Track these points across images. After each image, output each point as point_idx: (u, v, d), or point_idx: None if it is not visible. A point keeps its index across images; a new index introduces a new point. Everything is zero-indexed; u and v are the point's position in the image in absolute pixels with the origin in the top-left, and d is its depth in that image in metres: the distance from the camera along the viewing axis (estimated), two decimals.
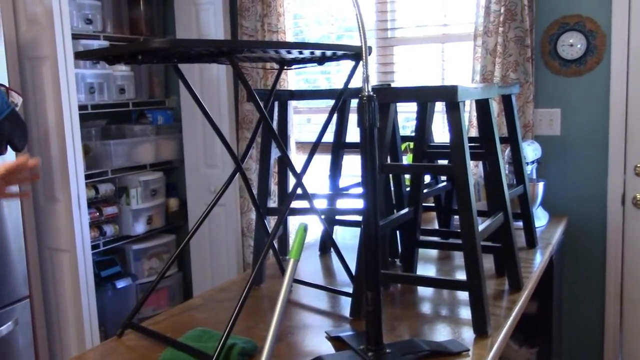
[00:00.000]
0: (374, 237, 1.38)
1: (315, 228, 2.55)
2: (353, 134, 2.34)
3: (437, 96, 1.52)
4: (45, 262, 2.93)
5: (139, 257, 3.68)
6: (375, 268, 1.37)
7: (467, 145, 1.54)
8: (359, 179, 2.43)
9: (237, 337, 1.50)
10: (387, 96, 1.56)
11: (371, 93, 1.32)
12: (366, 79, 1.36)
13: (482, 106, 1.80)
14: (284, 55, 1.58)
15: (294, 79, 3.53)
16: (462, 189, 1.54)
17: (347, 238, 2.64)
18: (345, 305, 1.82)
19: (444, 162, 2.34)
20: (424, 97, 1.56)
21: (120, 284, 3.45)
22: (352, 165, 2.99)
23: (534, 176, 2.82)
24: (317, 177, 3.21)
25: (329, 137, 2.08)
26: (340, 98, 1.73)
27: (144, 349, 1.53)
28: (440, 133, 3.19)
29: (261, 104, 1.55)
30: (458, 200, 1.56)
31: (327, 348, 1.52)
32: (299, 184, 1.62)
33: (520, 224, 2.42)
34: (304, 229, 1.35)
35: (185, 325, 1.67)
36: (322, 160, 3.00)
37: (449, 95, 1.49)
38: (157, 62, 1.43)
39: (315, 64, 1.78)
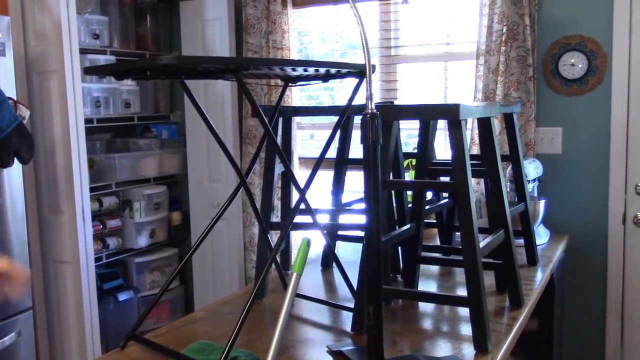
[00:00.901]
0: (376, 252, 1.40)
1: (318, 243, 2.57)
2: (356, 150, 2.36)
3: (439, 114, 1.55)
4: (49, 274, 2.94)
5: (142, 270, 3.70)
6: (377, 283, 1.39)
7: (468, 162, 1.56)
8: (361, 195, 2.44)
9: (240, 350, 1.51)
10: (390, 114, 1.59)
11: (375, 111, 1.34)
12: (370, 97, 1.39)
13: (484, 124, 1.82)
14: (289, 72, 1.60)
15: (297, 95, 3.57)
16: (464, 206, 1.56)
17: (349, 253, 2.65)
18: (347, 319, 1.83)
19: (446, 179, 2.36)
20: (427, 115, 1.58)
21: (122, 296, 3.46)
22: (355, 181, 3.01)
23: (535, 194, 2.84)
24: (320, 192, 3.23)
25: (332, 153, 2.11)
26: (344, 115, 1.75)
27: None
28: (443, 150, 3.21)
29: (266, 119, 1.57)
30: (459, 217, 1.58)
31: None
32: (302, 199, 1.64)
33: (521, 241, 2.43)
34: (307, 244, 1.37)
35: (188, 338, 1.68)
36: (325, 176, 3.02)
37: (451, 114, 1.52)
38: (164, 78, 1.46)
39: (320, 81, 1.81)
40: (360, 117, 1.38)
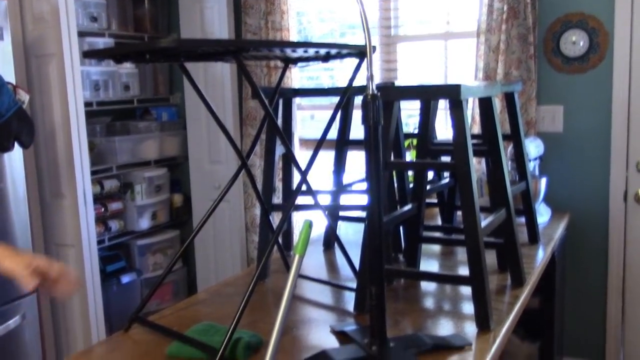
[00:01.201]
0: (377, 233, 1.40)
1: (320, 223, 2.58)
2: (357, 130, 2.35)
3: (440, 94, 1.54)
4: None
5: (144, 253, 3.71)
6: (379, 263, 1.40)
7: (469, 143, 1.56)
8: (362, 175, 2.45)
9: (243, 331, 1.52)
10: (391, 94, 1.58)
11: (375, 92, 1.34)
12: (370, 78, 1.38)
13: (485, 104, 1.82)
14: (289, 54, 1.60)
15: (297, 75, 3.55)
16: (465, 186, 1.56)
17: (351, 233, 2.66)
18: (349, 299, 1.84)
19: (447, 159, 2.36)
20: (428, 95, 1.58)
21: (125, 279, 3.48)
22: (356, 161, 3.01)
23: (537, 172, 2.84)
24: (321, 173, 3.23)
25: (332, 133, 2.10)
26: (345, 96, 1.75)
27: (150, 343, 1.55)
28: (444, 130, 3.20)
29: (266, 101, 1.57)
30: (461, 197, 1.58)
31: (332, 342, 1.54)
32: (304, 180, 1.64)
33: (522, 219, 2.44)
34: (309, 225, 1.37)
35: (191, 320, 1.69)
36: (326, 157, 3.02)
37: (452, 94, 1.51)
38: (163, 61, 1.45)
39: (320, 62, 1.80)
40: (361, 97, 1.38)
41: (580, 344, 3.12)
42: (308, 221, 1.37)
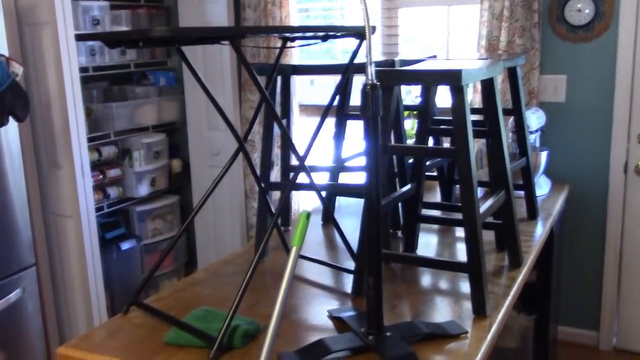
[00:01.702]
0: (375, 221, 1.39)
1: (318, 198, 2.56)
2: (357, 93, 2.32)
3: (441, 79, 1.51)
4: (50, 229, 2.96)
5: (143, 219, 3.72)
6: (376, 254, 1.39)
7: (470, 129, 1.54)
8: (362, 146, 2.42)
9: (241, 317, 1.53)
10: (390, 79, 1.55)
11: (375, 81, 1.31)
12: (369, 63, 1.35)
13: (487, 84, 1.78)
14: (287, 35, 1.56)
15: (297, 49, 3.48)
16: (465, 172, 1.55)
17: (352, 205, 2.65)
18: (348, 280, 1.84)
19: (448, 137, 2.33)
20: (428, 80, 1.55)
21: (125, 245, 3.49)
22: (357, 130, 2.98)
23: (538, 144, 2.82)
24: (320, 142, 3.20)
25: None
26: (345, 76, 1.71)
27: (150, 327, 1.56)
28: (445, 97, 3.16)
29: (262, 85, 1.54)
30: (460, 183, 1.56)
31: (330, 326, 1.55)
32: (302, 167, 1.62)
33: (522, 193, 2.43)
34: (307, 217, 1.36)
35: (190, 302, 1.70)
36: (326, 124, 2.99)
37: (454, 79, 1.48)
38: (159, 46, 1.41)
39: (319, 41, 1.76)
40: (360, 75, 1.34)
41: (575, 314, 3.15)
42: (305, 212, 1.35)
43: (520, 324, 2.67)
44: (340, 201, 2.70)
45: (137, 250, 3.60)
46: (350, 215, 2.45)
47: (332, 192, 2.25)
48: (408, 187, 1.91)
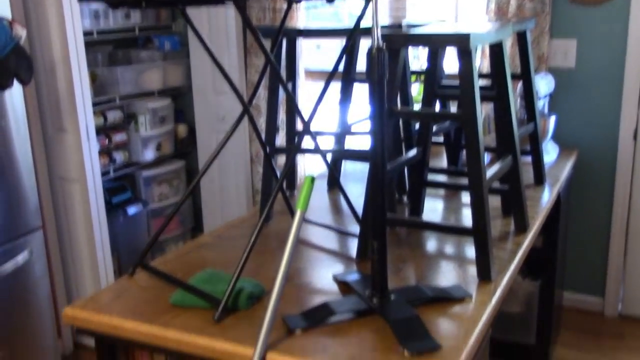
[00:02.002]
0: (380, 185, 1.39)
1: (323, 163, 2.55)
2: (364, 56, 2.28)
3: (449, 42, 1.48)
4: (57, 192, 2.96)
5: (149, 183, 3.72)
6: (381, 217, 1.39)
7: (477, 94, 1.51)
8: (369, 111, 2.40)
9: (246, 280, 1.53)
10: (397, 42, 1.52)
11: (381, 45, 1.28)
12: (376, 25, 1.32)
13: (496, 48, 1.75)
14: None
15: (302, 14, 3.43)
16: (471, 138, 1.53)
17: (358, 172, 2.64)
18: (353, 244, 1.85)
19: (455, 102, 2.31)
20: (436, 43, 1.52)
21: (132, 210, 3.50)
22: (363, 94, 2.95)
23: (546, 110, 2.79)
24: (326, 106, 3.18)
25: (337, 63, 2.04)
26: (350, 38, 1.69)
27: (156, 289, 1.57)
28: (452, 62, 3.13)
29: (266, 48, 1.52)
30: (466, 149, 1.55)
31: (334, 289, 1.55)
32: (307, 130, 1.61)
33: (529, 159, 2.41)
34: (311, 180, 1.35)
35: (195, 265, 1.71)
36: (331, 88, 2.96)
37: (461, 43, 1.45)
38: (161, 7, 1.39)
39: (324, 2, 1.73)
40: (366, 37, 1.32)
41: (581, 280, 3.16)
42: (310, 176, 1.35)
43: (525, 289, 2.68)
44: (346, 168, 2.69)
45: (143, 215, 3.61)
46: (356, 181, 2.44)
47: (338, 157, 2.24)
48: (414, 151, 1.90)
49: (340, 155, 2.15)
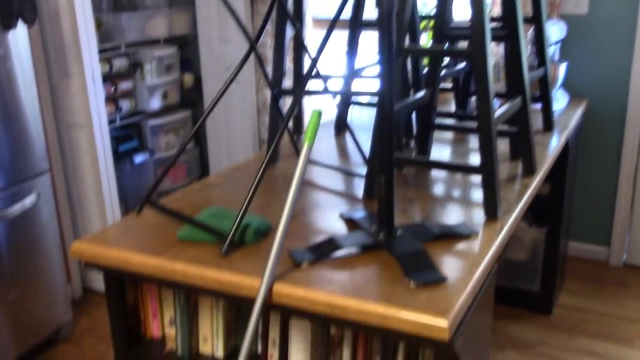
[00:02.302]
0: (388, 121, 1.38)
1: (331, 108, 2.54)
2: (372, 7, 2.25)
3: None
4: (63, 138, 2.96)
5: (156, 132, 3.72)
6: (388, 152, 1.38)
7: (488, 30, 1.49)
8: (376, 58, 2.38)
9: (253, 215, 1.54)
10: None
11: None
12: None
13: None
14: None
15: None
16: (481, 74, 1.51)
17: (364, 118, 2.63)
18: (359, 186, 1.84)
19: (465, 43, 2.27)
20: None
21: (138, 158, 3.51)
22: (370, 42, 2.91)
23: (557, 57, 2.75)
24: (333, 54, 3.15)
25: (346, 12, 2.01)
26: None
27: (162, 225, 1.58)
28: (463, 9, 3.07)
29: None
30: (476, 85, 1.53)
31: (341, 227, 1.56)
32: (314, 64, 1.59)
33: (538, 106, 2.39)
34: (319, 115, 1.34)
35: (202, 204, 1.71)
36: (339, 36, 2.92)
37: None
38: None
39: None
40: None
41: (587, 230, 3.16)
42: (317, 110, 1.34)
43: (531, 236, 2.69)
44: (353, 114, 2.68)
45: (150, 164, 3.61)
46: (363, 130, 2.43)
47: (346, 98, 2.22)
48: (422, 93, 1.88)
49: (348, 95, 2.13)
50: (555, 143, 2.24)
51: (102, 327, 2.86)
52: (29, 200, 2.44)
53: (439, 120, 2.06)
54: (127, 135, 3.53)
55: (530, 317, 2.76)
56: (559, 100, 2.73)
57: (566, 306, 2.84)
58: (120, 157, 3.41)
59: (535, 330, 2.67)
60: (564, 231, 2.75)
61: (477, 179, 1.88)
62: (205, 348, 1.55)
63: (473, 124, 2.06)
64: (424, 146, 1.98)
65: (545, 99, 2.32)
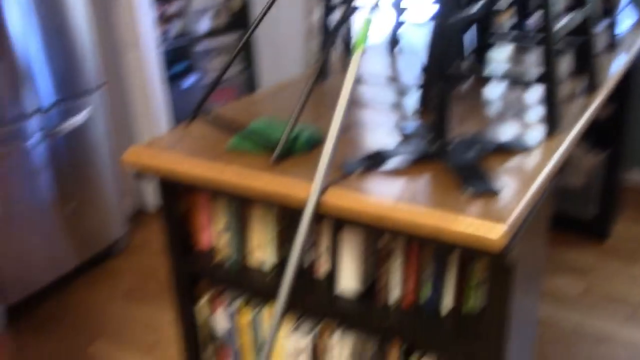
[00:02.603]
0: (445, 32, 1.31)
1: (384, 28, 2.46)
2: None
3: None
4: (115, 57, 2.97)
5: (206, 55, 3.70)
6: (445, 62, 1.32)
7: None
8: None
9: (305, 125, 1.51)
10: None
11: None
12: None
13: None
14: None
15: None
16: None
17: (417, 51, 2.53)
18: (411, 104, 1.79)
19: None
20: None
21: (189, 80, 3.51)
22: None
23: None
24: None
25: None
26: None
27: (212, 137, 1.57)
28: None
29: None
30: None
31: (393, 143, 1.52)
32: None
33: (604, 23, 2.26)
34: (369, 22, 1.29)
35: (252, 117, 1.70)
36: None
37: None
38: None
39: None
40: None
41: None
42: (368, 18, 1.29)
43: (588, 162, 2.60)
44: (405, 35, 2.59)
45: (199, 87, 3.61)
46: (415, 54, 2.34)
47: (398, 20, 2.14)
48: (479, 5, 1.79)
49: (402, 10, 2.05)
50: (620, 62, 2.12)
51: (155, 243, 2.94)
52: (82, 116, 2.48)
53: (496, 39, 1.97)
54: (177, 57, 3.52)
55: (584, 244, 2.70)
56: (627, 17, 2.57)
57: (621, 235, 2.77)
58: (171, 79, 3.41)
59: (589, 256, 2.61)
60: (623, 157, 2.65)
61: (534, 98, 1.80)
62: (256, 257, 1.56)
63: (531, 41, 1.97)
64: (480, 61, 1.90)
65: (609, 15, 2.19)
